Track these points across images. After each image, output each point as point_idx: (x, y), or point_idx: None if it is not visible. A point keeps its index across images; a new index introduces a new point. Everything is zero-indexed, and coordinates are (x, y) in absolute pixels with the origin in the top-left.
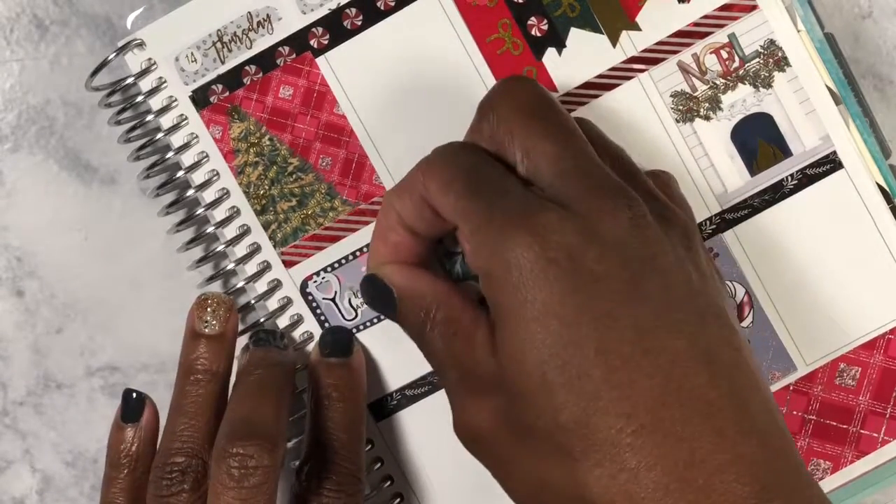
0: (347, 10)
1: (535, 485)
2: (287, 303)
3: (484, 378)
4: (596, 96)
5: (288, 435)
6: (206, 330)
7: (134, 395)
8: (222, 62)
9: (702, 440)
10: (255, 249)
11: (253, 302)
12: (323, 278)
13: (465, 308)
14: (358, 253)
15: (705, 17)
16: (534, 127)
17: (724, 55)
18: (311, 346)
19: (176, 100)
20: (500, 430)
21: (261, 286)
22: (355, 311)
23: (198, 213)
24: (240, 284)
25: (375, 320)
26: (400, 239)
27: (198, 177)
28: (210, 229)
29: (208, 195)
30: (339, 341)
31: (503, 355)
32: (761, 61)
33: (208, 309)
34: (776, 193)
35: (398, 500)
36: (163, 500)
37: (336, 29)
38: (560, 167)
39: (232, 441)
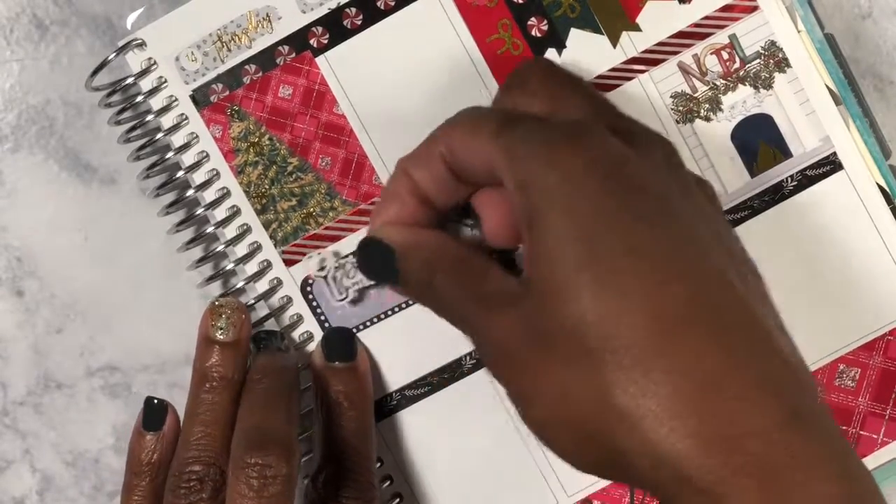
0: (347, 10)
1: (556, 397)
2: (287, 302)
3: (504, 295)
4: None
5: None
6: (221, 337)
7: (155, 402)
8: (222, 61)
9: (735, 354)
10: (256, 248)
11: (253, 302)
12: (319, 253)
13: (474, 251)
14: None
15: (706, 17)
16: (560, 89)
17: (725, 56)
18: (311, 346)
19: (176, 99)
20: (525, 339)
21: (261, 286)
22: (346, 291)
23: (198, 212)
24: (240, 284)
25: (375, 320)
26: (404, 206)
27: (198, 176)
28: (210, 229)
29: (208, 195)
30: (343, 345)
31: (533, 255)
32: (762, 62)
33: (223, 316)
34: (776, 194)
35: (398, 500)
36: None
37: (336, 28)
38: (592, 112)
39: (249, 451)
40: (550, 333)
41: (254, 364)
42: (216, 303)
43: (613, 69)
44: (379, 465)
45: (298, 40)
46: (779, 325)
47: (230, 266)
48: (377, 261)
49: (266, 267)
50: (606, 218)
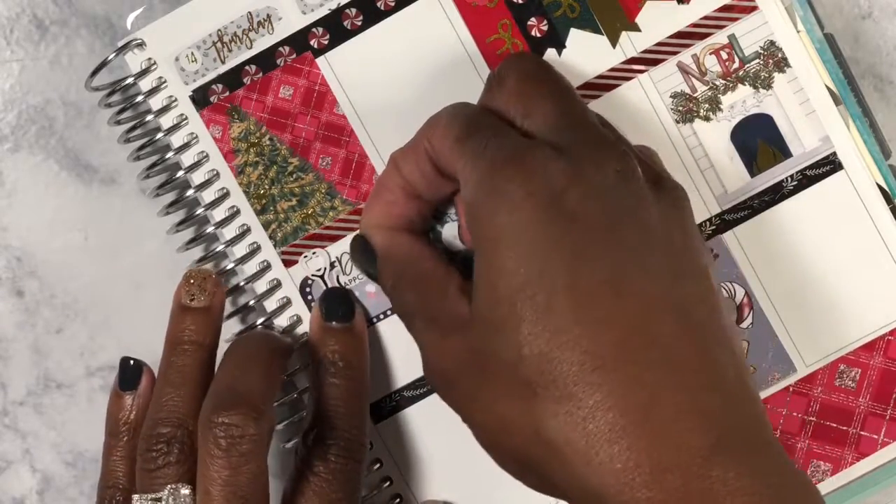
0: (347, 11)
1: (495, 424)
2: (286, 303)
3: (454, 320)
4: (596, 97)
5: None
6: (193, 303)
7: (131, 362)
8: (222, 62)
9: (663, 387)
10: (255, 249)
11: (252, 303)
12: (313, 252)
13: (438, 266)
14: None
15: (705, 17)
16: (533, 88)
17: (724, 56)
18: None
19: (176, 99)
20: (467, 367)
21: (260, 286)
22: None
23: (198, 213)
24: (239, 284)
25: (375, 320)
26: (394, 199)
27: (198, 177)
28: (210, 229)
29: (208, 195)
30: (341, 305)
31: (477, 285)
32: (761, 62)
33: (194, 283)
34: (776, 194)
35: (397, 500)
36: (150, 473)
37: (336, 29)
38: (556, 122)
39: (217, 411)
40: (490, 364)
41: (240, 332)
42: (188, 272)
43: (613, 69)
44: (378, 465)
45: (299, 41)
46: (723, 341)
47: (230, 266)
48: (365, 257)
49: (265, 267)
50: (545, 253)
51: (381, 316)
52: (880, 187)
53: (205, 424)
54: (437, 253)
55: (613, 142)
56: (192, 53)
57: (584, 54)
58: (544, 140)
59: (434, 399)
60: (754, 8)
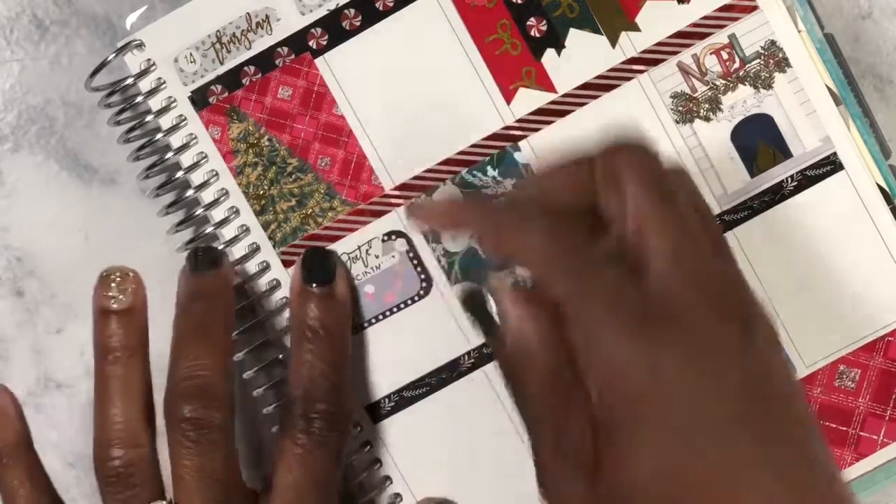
0: (346, 11)
1: None
2: (285, 303)
3: (580, 460)
4: (595, 97)
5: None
6: (115, 305)
7: None
8: (221, 63)
9: None
10: (255, 249)
11: (250, 303)
12: None
13: (565, 369)
14: (357, 251)
15: (705, 17)
16: (650, 204)
17: (725, 56)
18: None
19: (175, 100)
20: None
21: (260, 286)
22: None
23: (197, 213)
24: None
25: (373, 321)
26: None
27: (197, 177)
28: (209, 229)
29: (207, 195)
30: (320, 267)
31: (611, 474)
32: (762, 62)
33: (112, 284)
34: (776, 195)
35: (398, 500)
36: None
37: (335, 30)
38: (673, 268)
39: (179, 403)
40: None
41: (186, 288)
42: (104, 272)
43: (612, 69)
44: (378, 465)
45: (297, 42)
46: (814, 455)
47: None
48: (483, 318)
49: (265, 268)
50: (686, 433)
51: (381, 317)
52: (880, 187)
53: (170, 420)
54: (564, 349)
55: (735, 304)
56: (191, 54)
57: (583, 54)
58: (654, 287)
59: (434, 399)
60: (755, 7)
